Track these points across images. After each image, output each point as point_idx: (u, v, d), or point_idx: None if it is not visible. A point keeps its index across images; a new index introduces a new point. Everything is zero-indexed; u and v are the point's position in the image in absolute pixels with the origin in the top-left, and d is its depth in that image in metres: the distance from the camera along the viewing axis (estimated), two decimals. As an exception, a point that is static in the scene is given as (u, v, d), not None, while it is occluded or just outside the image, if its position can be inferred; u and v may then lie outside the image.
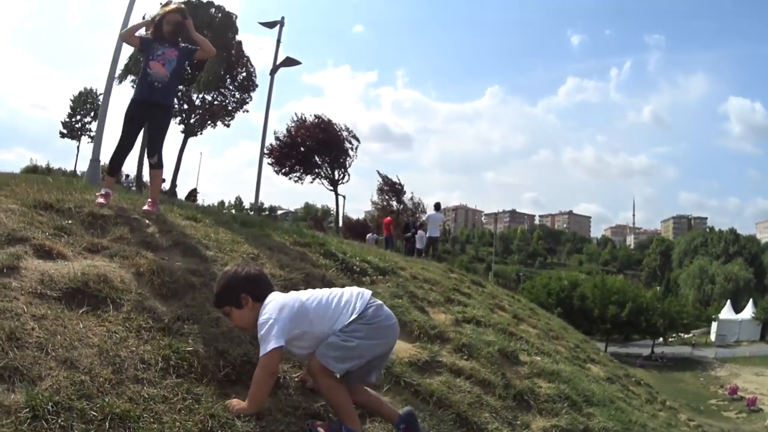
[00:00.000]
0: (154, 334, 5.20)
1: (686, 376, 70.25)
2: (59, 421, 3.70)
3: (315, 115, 72.24)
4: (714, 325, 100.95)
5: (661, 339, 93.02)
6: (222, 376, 5.02)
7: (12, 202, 7.62)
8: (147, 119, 9.19)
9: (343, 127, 73.30)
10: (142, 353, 4.81)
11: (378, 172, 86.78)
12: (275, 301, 4.86)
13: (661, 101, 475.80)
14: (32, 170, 76.82)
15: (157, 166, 9.50)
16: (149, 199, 9.22)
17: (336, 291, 5.03)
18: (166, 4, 9.75)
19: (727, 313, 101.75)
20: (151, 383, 4.47)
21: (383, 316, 4.85)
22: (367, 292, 4.98)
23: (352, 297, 4.90)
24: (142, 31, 9.59)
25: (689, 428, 15.39)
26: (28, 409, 3.70)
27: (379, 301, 5.00)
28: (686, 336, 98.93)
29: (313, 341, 4.77)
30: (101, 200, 8.53)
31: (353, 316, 4.74)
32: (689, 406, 42.62)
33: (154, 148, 9.34)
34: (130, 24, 10.54)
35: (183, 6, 9.63)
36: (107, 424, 3.80)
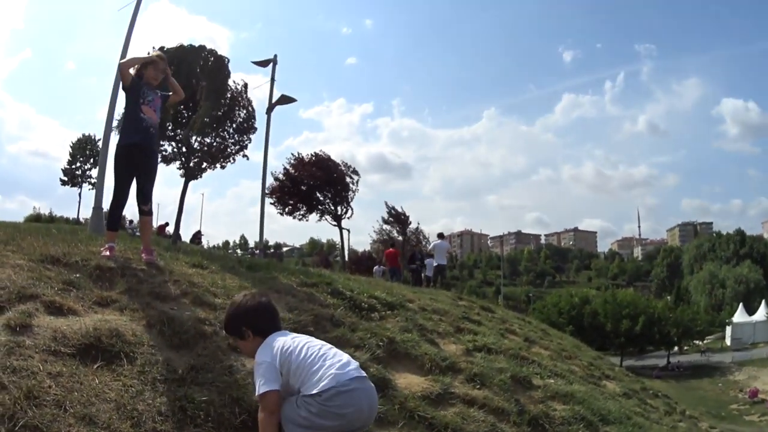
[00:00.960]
0: (169, 385, 5.24)
1: (704, 383, 69.52)
2: (81, 478, 3.73)
3: (313, 153, 72.39)
4: (728, 329, 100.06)
5: (676, 348, 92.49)
6: (238, 423, 5.05)
7: (19, 257, 7.65)
8: (140, 166, 9.12)
9: (341, 163, 73.48)
10: (159, 405, 4.84)
11: (386, 204, 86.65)
12: (273, 345, 4.97)
13: (657, 109, 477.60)
14: (35, 219, 76.89)
15: (150, 212, 9.48)
16: (144, 248, 9.23)
17: (326, 356, 4.97)
18: (156, 53, 9.77)
19: (740, 316, 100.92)
20: (170, 435, 4.46)
21: (341, 403, 4.71)
22: (343, 376, 4.81)
23: (326, 374, 4.80)
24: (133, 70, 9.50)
25: None
26: (50, 468, 3.73)
27: (353, 387, 4.81)
28: (700, 343, 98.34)
29: (285, 387, 4.85)
30: (106, 254, 8.56)
31: (313, 392, 4.70)
32: (710, 413, 42.17)
33: (147, 195, 9.29)
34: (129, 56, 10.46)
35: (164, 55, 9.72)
36: (130, 478, 3.83)
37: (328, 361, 4.90)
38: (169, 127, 51.77)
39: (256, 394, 4.77)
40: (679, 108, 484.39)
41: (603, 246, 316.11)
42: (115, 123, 27.35)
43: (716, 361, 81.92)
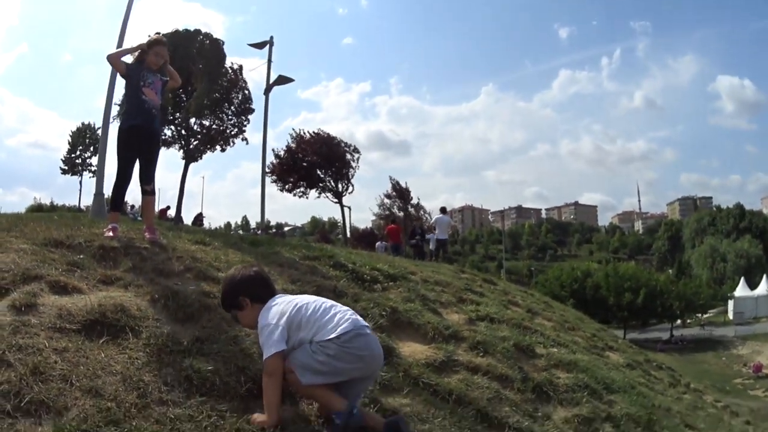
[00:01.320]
0: (175, 356, 5.27)
1: (708, 357, 69.46)
2: (88, 449, 3.77)
3: (314, 131, 72.39)
4: (730, 304, 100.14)
5: (679, 321, 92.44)
6: (244, 391, 5.07)
7: (23, 242, 7.67)
8: (143, 147, 9.21)
9: (341, 141, 73.40)
10: (165, 376, 4.88)
11: (390, 178, 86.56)
12: (276, 307, 5.02)
13: (654, 85, 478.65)
14: (37, 209, 76.64)
15: (152, 192, 9.53)
16: (147, 227, 9.25)
17: (335, 308, 5.08)
18: (155, 36, 9.64)
19: (742, 290, 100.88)
20: (176, 404, 4.55)
21: (360, 345, 4.86)
22: (359, 321, 5.01)
23: (342, 318, 4.94)
24: (127, 58, 9.54)
25: (716, 409, 15.18)
26: (56, 440, 3.76)
27: (368, 332, 5.03)
28: (700, 316, 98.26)
29: (295, 343, 4.89)
30: (110, 234, 8.58)
31: (332, 336, 4.79)
32: (714, 387, 42.01)
33: (150, 175, 9.34)
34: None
35: (165, 39, 9.66)
36: (137, 447, 3.87)
37: (340, 310, 5.06)
38: (170, 110, 51.73)
39: (264, 357, 4.80)
40: (675, 84, 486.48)
41: (604, 220, 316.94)
42: (115, 109, 27.30)
43: (719, 335, 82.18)
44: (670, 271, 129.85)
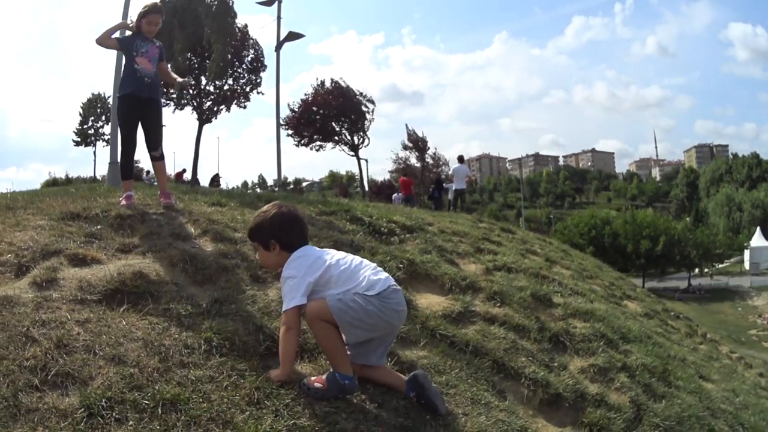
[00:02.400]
0: (195, 319, 5.37)
1: (724, 307, 69.61)
2: (114, 414, 3.84)
3: (332, 80, 72.04)
4: (746, 253, 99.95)
5: (697, 270, 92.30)
6: (263, 350, 5.15)
7: (40, 218, 7.75)
8: (142, 116, 9.20)
9: (358, 92, 72.97)
10: (185, 339, 4.97)
11: (406, 126, 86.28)
12: (304, 258, 4.93)
13: (668, 32, 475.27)
14: (52, 183, 76.60)
15: (161, 158, 9.54)
16: (161, 192, 9.39)
17: (366, 265, 5.04)
18: (148, 4, 9.36)
19: (758, 240, 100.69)
20: (197, 366, 4.63)
21: (398, 300, 4.92)
22: (389, 278, 4.99)
23: (378, 274, 4.95)
24: (118, 33, 9.67)
25: (731, 360, 15.13)
26: (83, 409, 3.85)
27: (398, 288, 5.03)
28: (715, 267, 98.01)
29: (323, 295, 4.80)
30: (124, 202, 8.67)
31: (371, 293, 4.76)
32: (730, 337, 41.95)
33: (156, 141, 9.36)
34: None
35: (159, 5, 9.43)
36: (159, 410, 3.94)
37: (372, 266, 5.07)
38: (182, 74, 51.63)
39: (284, 308, 4.75)
40: (688, 31, 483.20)
41: (621, 167, 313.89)
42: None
43: (735, 285, 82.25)
44: (688, 219, 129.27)
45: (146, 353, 4.64)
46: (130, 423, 3.84)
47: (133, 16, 12.53)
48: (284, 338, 4.78)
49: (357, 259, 5.11)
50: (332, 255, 5.06)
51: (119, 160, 9.70)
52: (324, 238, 8.29)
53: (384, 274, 5.03)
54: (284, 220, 5.08)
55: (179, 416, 3.98)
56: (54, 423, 3.75)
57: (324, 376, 4.81)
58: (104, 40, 9.27)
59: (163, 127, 9.69)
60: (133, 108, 9.11)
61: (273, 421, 4.15)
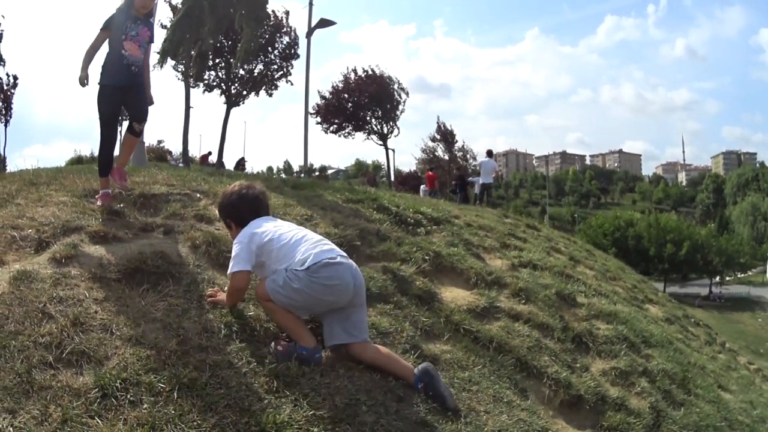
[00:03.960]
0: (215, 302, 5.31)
1: (744, 317, 69.35)
2: (128, 396, 3.79)
3: (369, 67, 71.82)
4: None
5: (718, 278, 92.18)
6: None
7: (62, 194, 7.75)
8: (125, 98, 7.96)
9: (395, 80, 72.65)
10: (205, 322, 4.93)
11: (438, 118, 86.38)
12: (249, 229, 5.26)
13: (700, 35, 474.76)
14: (77, 161, 76.71)
15: (140, 133, 8.46)
16: (118, 170, 8.19)
17: (309, 239, 5.18)
18: None
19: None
20: (216, 350, 4.59)
21: (327, 274, 4.92)
22: (330, 252, 5.08)
23: (314, 248, 5.05)
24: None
25: (749, 372, 14.93)
26: (97, 389, 3.81)
27: (338, 261, 5.06)
28: (741, 275, 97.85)
29: (268, 272, 5.09)
30: (100, 202, 7.65)
31: (302, 267, 4.89)
32: (748, 348, 41.68)
33: (142, 113, 8.12)
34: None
35: None
36: (175, 394, 3.89)
37: (313, 240, 5.18)
38: (210, 56, 51.55)
39: (228, 272, 5.14)
40: (721, 35, 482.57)
41: (647, 169, 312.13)
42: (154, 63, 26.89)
43: (756, 295, 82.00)
44: (712, 225, 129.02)
45: (164, 335, 4.60)
46: (145, 406, 3.79)
47: None
48: (229, 292, 5.25)
49: (302, 232, 5.31)
50: (277, 229, 5.28)
51: (98, 154, 8.25)
52: (350, 226, 8.16)
53: (325, 247, 5.13)
54: (233, 201, 5.62)
55: (195, 401, 3.94)
56: (66, 401, 3.72)
57: (287, 345, 4.97)
58: (90, 57, 7.88)
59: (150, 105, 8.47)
60: (116, 97, 7.91)
61: (291, 411, 4.10)
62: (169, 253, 6.02)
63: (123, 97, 7.92)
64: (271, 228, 5.26)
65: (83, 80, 7.73)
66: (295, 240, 5.13)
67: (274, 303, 4.95)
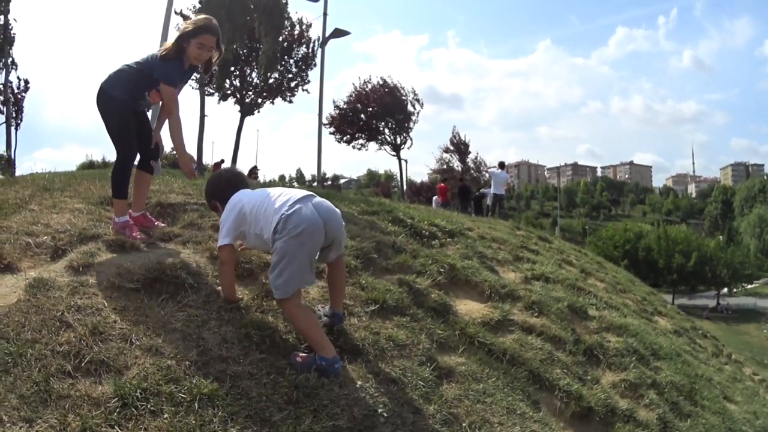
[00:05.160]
0: (235, 314, 5.33)
1: (751, 329, 69.21)
2: (148, 406, 3.81)
3: (381, 78, 71.67)
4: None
5: (726, 290, 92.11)
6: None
7: (77, 201, 7.76)
8: (138, 124, 7.00)
9: (411, 90, 72.51)
10: (225, 333, 4.94)
11: (454, 127, 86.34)
12: (229, 204, 5.52)
13: (709, 47, 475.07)
14: (88, 166, 76.86)
15: (154, 170, 7.61)
16: (144, 213, 7.40)
17: (275, 198, 5.27)
18: (203, 18, 6.97)
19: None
20: (236, 361, 4.60)
21: (292, 225, 4.98)
22: (287, 203, 5.15)
23: (278, 210, 5.11)
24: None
25: (754, 383, 14.92)
26: (116, 399, 3.83)
27: (299, 206, 5.12)
28: (748, 287, 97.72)
29: (253, 238, 5.39)
30: (136, 234, 6.75)
31: (270, 230, 5.07)
32: (753, 359, 41.49)
33: (155, 149, 7.36)
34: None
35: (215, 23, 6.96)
36: (196, 404, 3.91)
37: (278, 201, 5.22)
38: (231, 68, 51.75)
39: (218, 245, 5.45)
40: (729, 46, 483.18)
41: (657, 181, 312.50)
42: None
43: (763, 306, 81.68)
44: (721, 237, 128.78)
45: (184, 345, 4.62)
46: (165, 416, 3.80)
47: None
48: (220, 271, 5.65)
49: (276, 194, 5.38)
50: (255, 198, 5.45)
51: (116, 171, 6.99)
52: (366, 238, 8.18)
53: (280, 205, 5.17)
54: (214, 182, 6.08)
55: (216, 412, 3.96)
56: (86, 411, 3.73)
57: (307, 355, 5.03)
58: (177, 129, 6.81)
59: None
60: (131, 115, 6.90)
61: (311, 422, 4.13)
62: (188, 263, 6.06)
63: (136, 120, 7.00)
64: (246, 197, 5.51)
65: (191, 162, 7.05)
66: (266, 206, 5.25)
67: (296, 308, 5.06)
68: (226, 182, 5.91)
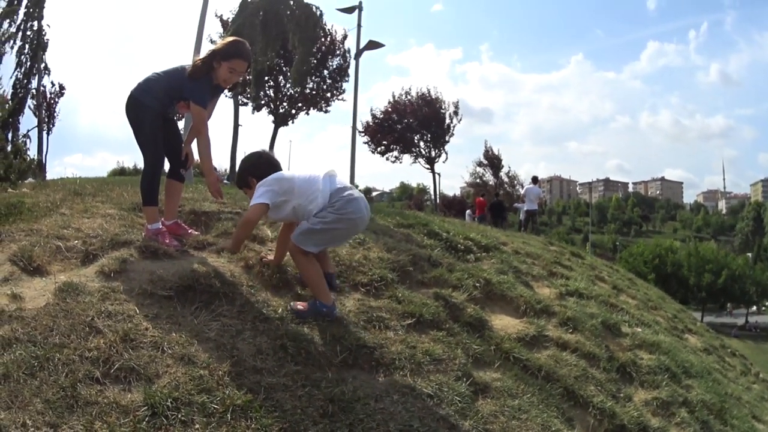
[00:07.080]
0: (270, 324, 5.27)
1: (778, 348, 69.21)
2: (179, 416, 3.75)
3: (421, 89, 71.71)
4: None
5: (755, 308, 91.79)
6: (339, 361, 5.02)
7: (109, 207, 7.80)
8: (166, 131, 6.99)
9: (451, 103, 72.53)
10: (259, 344, 4.89)
11: (485, 143, 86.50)
12: (276, 175, 5.89)
13: (739, 60, 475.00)
14: (119, 173, 77.42)
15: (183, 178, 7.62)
16: (177, 221, 7.44)
17: (326, 178, 5.78)
18: (235, 41, 6.97)
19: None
20: (270, 373, 4.54)
21: (351, 209, 5.68)
22: (335, 181, 5.81)
23: (326, 184, 5.71)
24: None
25: None
26: (146, 407, 3.77)
27: (354, 194, 5.79)
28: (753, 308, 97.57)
29: (289, 210, 5.78)
30: (169, 241, 6.73)
31: (325, 202, 5.63)
32: None
33: (186, 161, 7.33)
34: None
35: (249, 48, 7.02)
36: (229, 416, 3.84)
37: (334, 183, 5.80)
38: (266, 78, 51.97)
39: (253, 202, 5.78)
40: (760, 60, 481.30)
41: (688, 197, 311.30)
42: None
43: None
44: (749, 255, 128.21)
45: (218, 355, 4.57)
46: (197, 426, 3.76)
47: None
48: (240, 225, 6.39)
49: (314, 174, 5.88)
50: (299, 177, 5.87)
51: (146, 179, 6.93)
52: (402, 251, 8.11)
53: (328, 181, 5.80)
54: (254, 159, 6.34)
55: (249, 423, 3.89)
56: (114, 418, 3.68)
57: (307, 302, 5.71)
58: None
59: None
60: (160, 123, 6.86)
61: (346, 436, 4.01)
62: (223, 272, 6.01)
63: (163, 126, 6.96)
64: (295, 174, 5.91)
65: (217, 182, 7.05)
66: (314, 180, 5.75)
67: (305, 257, 5.67)
68: (267, 162, 6.18)
